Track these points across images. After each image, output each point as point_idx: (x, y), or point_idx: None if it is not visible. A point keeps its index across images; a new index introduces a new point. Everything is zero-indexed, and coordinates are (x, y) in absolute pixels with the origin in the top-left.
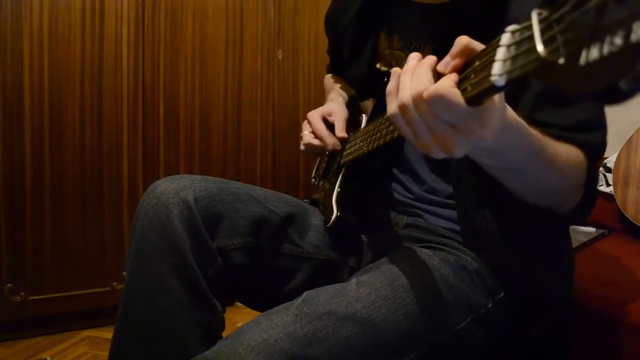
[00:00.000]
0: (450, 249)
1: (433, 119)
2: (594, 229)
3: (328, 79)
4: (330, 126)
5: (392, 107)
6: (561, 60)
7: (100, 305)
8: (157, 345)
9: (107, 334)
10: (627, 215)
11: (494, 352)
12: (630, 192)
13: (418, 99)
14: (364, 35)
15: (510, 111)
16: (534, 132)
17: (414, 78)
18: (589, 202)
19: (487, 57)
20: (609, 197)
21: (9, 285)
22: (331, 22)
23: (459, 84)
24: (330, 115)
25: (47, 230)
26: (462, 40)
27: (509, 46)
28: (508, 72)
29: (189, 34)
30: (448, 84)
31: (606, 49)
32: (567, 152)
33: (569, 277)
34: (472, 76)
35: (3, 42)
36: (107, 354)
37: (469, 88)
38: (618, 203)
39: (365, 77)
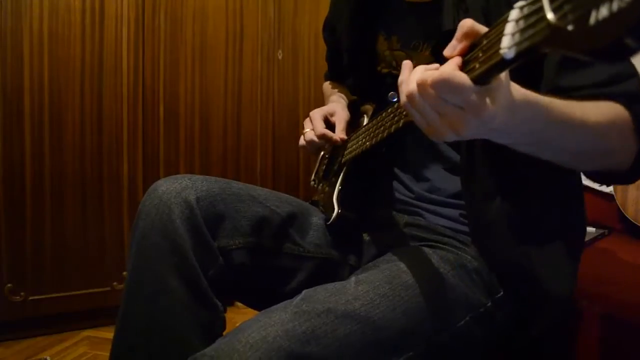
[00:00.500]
0: (450, 247)
1: (440, 102)
2: (594, 229)
3: (327, 85)
4: (331, 126)
5: (402, 97)
6: (570, 27)
7: (100, 305)
8: (158, 344)
9: (107, 334)
10: (627, 215)
11: (493, 351)
12: (630, 192)
13: (424, 85)
14: (362, 39)
15: (515, 87)
16: (550, 101)
17: (420, 68)
18: None
19: (496, 33)
20: (609, 197)
21: (9, 285)
22: (329, 28)
23: (464, 65)
24: (332, 115)
25: (47, 230)
26: (466, 23)
27: (517, 20)
28: (517, 44)
29: (189, 34)
30: (451, 67)
31: (615, 5)
32: (598, 110)
33: (571, 276)
34: (480, 55)
35: (3, 42)
36: (107, 354)
37: (477, 66)
38: (618, 203)
39: (366, 81)
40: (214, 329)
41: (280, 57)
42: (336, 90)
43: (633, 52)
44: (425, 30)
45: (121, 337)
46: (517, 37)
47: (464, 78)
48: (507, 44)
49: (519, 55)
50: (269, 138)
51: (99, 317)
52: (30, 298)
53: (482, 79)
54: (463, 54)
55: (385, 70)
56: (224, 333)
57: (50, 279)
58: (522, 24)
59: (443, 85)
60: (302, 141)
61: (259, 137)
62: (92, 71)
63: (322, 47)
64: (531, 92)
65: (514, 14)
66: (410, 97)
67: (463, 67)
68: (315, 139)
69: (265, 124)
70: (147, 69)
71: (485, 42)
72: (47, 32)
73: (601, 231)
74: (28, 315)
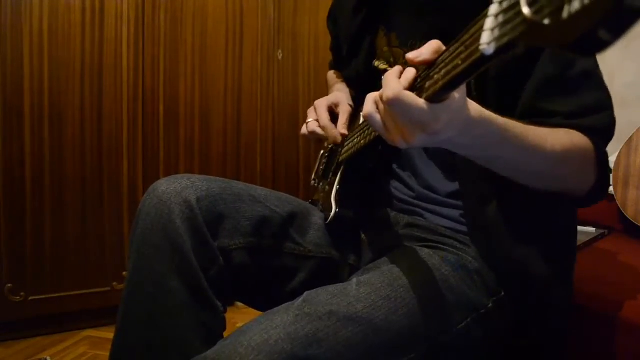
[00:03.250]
0: (450, 248)
1: (392, 116)
2: (594, 229)
3: (331, 74)
4: (335, 117)
5: (365, 105)
6: (546, 21)
7: (100, 305)
8: (158, 345)
9: (107, 334)
10: (627, 215)
11: (494, 352)
12: (630, 192)
13: (381, 100)
14: (362, 32)
15: (473, 105)
16: (505, 122)
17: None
18: (604, 179)
19: (475, 30)
20: (609, 197)
21: (9, 285)
22: (332, 18)
23: (419, 83)
24: (337, 106)
25: (47, 231)
26: (433, 44)
27: (497, 15)
28: (497, 39)
29: (189, 34)
30: (404, 86)
31: None
32: (559, 136)
33: (569, 278)
34: (434, 75)
35: (3, 41)
36: (107, 354)
37: (427, 85)
38: (618, 203)
39: (362, 75)
40: (214, 329)
41: (280, 57)
42: (340, 79)
43: (607, 45)
44: (423, 30)
45: (121, 337)
46: (497, 32)
47: (412, 98)
48: (486, 40)
49: (498, 51)
50: (269, 138)
51: (99, 317)
52: (30, 298)
53: (436, 98)
54: (426, 64)
55: (382, 67)
56: (224, 333)
57: (50, 279)
58: (501, 18)
59: (394, 103)
60: (304, 130)
61: (259, 137)
62: (92, 71)
63: (322, 47)
64: (488, 112)
65: (493, 8)
66: (370, 106)
67: (415, 85)
68: (318, 130)
69: (265, 124)
70: (147, 68)
71: (458, 48)
72: (47, 32)
73: (601, 231)
74: (28, 315)
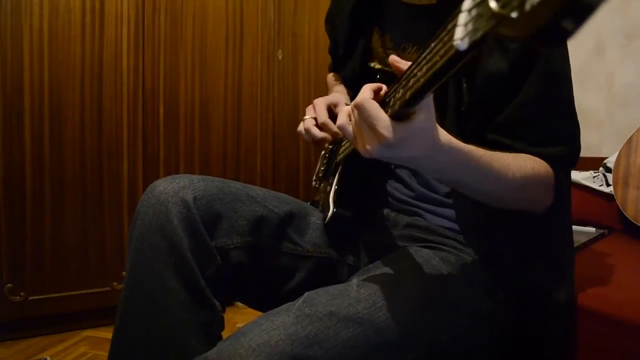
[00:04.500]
0: (450, 248)
1: (357, 122)
2: (594, 229)
3: (330, 77)
4: (334, 117)
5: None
6: (514, 14)
7: (100, 305)
8: (156, 344)
9: (107, 334)
10: (627, 215)
11: (494, 352)
12: (630, 192)
13: (354, 105)
14: (357, 33)
15: (442, 133)
16: (471, 151)
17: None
18: (563, 201)
19: (449, 29)
20: (609, 197)
21: (9, 285)
22: (330, 20)
23: (393, 93)
24: (336, 106)
25: (47, 230)
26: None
27: (470, 10)
28: (470, 34)
29: (189, 34)
30: (369, 95)
31: None
32: (520, 165)
33: (568, 278)
34: (400, 91)
35: (3, 41)
36: (107, 354)
37: (392, 102)
38: (618, 203)
39: (358, 75)
40: (213, 328)
41: (280, 57)
42: (339, 82)
43: (570, 34)
44: (415, 33)
45: (119, 337)
46: (470, 26)
47: (374, 105)
48: (460, 35)
49: (472, 46)
50: (269, 138)
51: (99, 317)
52: (30, 298)
53: (399, 114)
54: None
55: (377, 67)
56: (223, 333)
57: (50, 279)
58: (474, 12)
59: (359, 108)
60: (300, 127)
61: (259, 137)
62: (92, 71)
63: (322, 47)
64: (456, 140)
65: (466, 4)
66: (344, 118)
67: (384, 100)
68: (312, 129)
69: (265, 124)
70: (147, 69)
71: (408, 72)
72: (47, 32)
73: (601, 231)
74: (28, 315)
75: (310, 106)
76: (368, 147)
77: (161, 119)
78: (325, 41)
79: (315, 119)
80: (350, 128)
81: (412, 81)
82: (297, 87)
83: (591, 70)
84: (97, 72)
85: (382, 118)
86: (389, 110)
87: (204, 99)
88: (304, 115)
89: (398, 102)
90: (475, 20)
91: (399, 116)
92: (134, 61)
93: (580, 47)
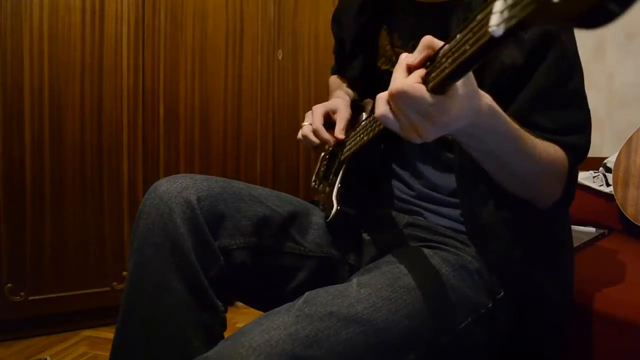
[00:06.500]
0: (451, 248)
1: (403, 110)
2: (594, 229)
3: (333, 79)
4: (332, 124)
5: (377, 104)
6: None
7: (100, 305)
8: (158, 344)
9: (107, 334)
10: (627, 215)
11: (494, 351)
12: (630, 192)
13: (391, 95)
14: (366, 31)
15: (485, 97)
16: (512, 122)
17: (398, 76)
18: (570, 195)
19: (483, 16)
20: (609, 197)
21: (9, 285)
22: (337, 19)
23: (427, 76)
24: (334, 112)
25: (47, 230)
26: (427, 38)
27: None
28: (506, 21)
29: (189, 34)
30: (411, 80)
31: None
32: (546, 147)
33: (568, 278)
34: (441, 64)
35: (3, 41)
36: (107, 354)
37: (433, 76)
38: (618, 203)
39: (365, 74)
40: (215, 329)
41: (280, 57)
42: (342, 85)
43: (615, 17)
44: (425, 31)
45: (121, 337)
46: (506, 14)
47: (421, 90)
48: (495, 22)
49: (508, 32)
50: (269, 138)
51: (99, 317)
52: (30, 298)
53: (443, 87)
54: (424, 62)
55: (384, 67)
56: (225, 333)
57: (50, 279)
58: (510, 1)
59: (402, 96)
60: (299, 134)
61: (259, 137)
62: (92, 71)
63: (322, 47)
64: (497, 106)
65: None
66: (382, 107)
67: (425, 78)
68: (310, 135)
69: (265, 124)
70: (147, 69)
71: (464, 35)
72: (47, 32)
73: (601, 231)
74: (28, 315)
75: (309, 112)
76: (422, 132)
77: (161, 118)
78: (325, 41)
79: None
80: (391, 115)
81: (459, 52)
82: (297, 87)
83: (591, 70)
84: (97, 72)
85: (425, 98)
86: (429, 85)
87: (204, 98)
88: (304, 115)
89: (439, 76)
90: (511, 7)
91: (441, 89)
92: (134, 61)
93: (580, 47)
